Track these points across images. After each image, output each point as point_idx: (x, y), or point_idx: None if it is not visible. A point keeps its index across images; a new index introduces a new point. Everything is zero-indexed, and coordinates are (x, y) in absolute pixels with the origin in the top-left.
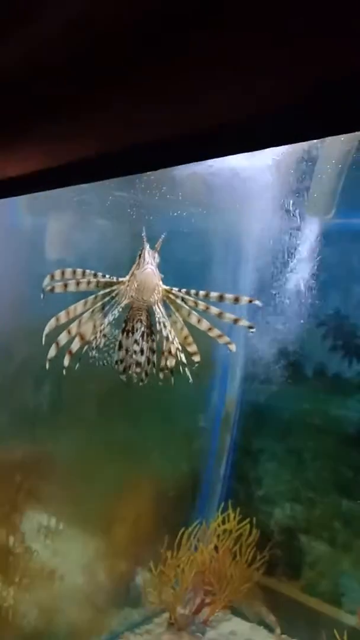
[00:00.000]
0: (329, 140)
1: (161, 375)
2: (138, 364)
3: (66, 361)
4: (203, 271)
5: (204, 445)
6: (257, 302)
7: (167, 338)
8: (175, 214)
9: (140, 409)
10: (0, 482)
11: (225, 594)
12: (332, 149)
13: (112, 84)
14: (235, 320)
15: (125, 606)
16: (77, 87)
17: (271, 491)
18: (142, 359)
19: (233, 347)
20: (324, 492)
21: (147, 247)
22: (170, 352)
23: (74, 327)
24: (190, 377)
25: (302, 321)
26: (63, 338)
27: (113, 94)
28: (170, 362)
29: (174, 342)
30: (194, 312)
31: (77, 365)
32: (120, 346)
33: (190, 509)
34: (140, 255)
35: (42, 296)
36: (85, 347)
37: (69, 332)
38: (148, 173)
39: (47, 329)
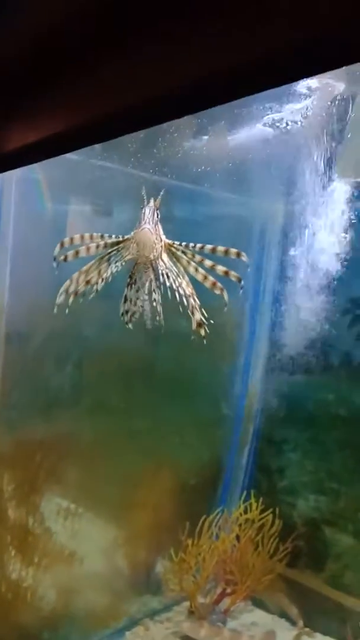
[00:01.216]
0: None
1: (202, 332)
2: (147, 314)
3: (70, 301)
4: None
5: (226, 434)
6: (243, 257)
7: (178, 291)
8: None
9: (162, 395)
10: (20, 461)
11: (247, 584)
12: None
13: (107, 49)
14: (226, 273)
15: (145, 593)
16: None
17: (295, 482)
18: (148, 306)
19: (226, 295)
20: (349, 483)
21: (148, 204)
22: (194, 307)
23: (79, 274)
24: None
25: (327, 309)
26: (69, 283)
27: (109, 58)
28: (198, 315)
29: (192, 296)
30: (192, 262)
31: (81, 300)
32: (125, 299)
33: (212, 497)
34: (141, 213)
35: (55, 265)
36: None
37: (73, 279)
38: (166, 152)
39: (62, 289)
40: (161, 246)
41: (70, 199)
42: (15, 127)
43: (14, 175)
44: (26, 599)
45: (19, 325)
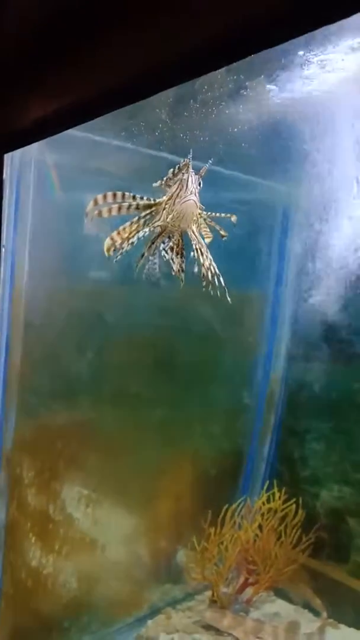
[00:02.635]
0: None
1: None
2: (172, 268)
3: (111, 251)
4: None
5: (248, 423)
6: (233, 219)
7: (211, 269)
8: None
9: (184, 384)
10: (41, 448)
11: (270, 574)
12: None
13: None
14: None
15: (166, 582)
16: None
17: (318, 472)
18: (175, 267)
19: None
20: None
21: (192, 172)
22: (212, 271)
23: (118, 232)
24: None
25: (352, 296)
26: (111, 242)
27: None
28: (212, 270)
29: (212, 263)
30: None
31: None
32: (142, 256)
33: (234, 486)
34: (181, 180)
35: (90, 219)
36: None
37: (114, 237)
38: (196, 135)
39: (105, 246)
40: (197, 219)
41: (87, 182)
42: (31, 103)
43: (32, 158)
44: (47, 587)
45: (39, 310)
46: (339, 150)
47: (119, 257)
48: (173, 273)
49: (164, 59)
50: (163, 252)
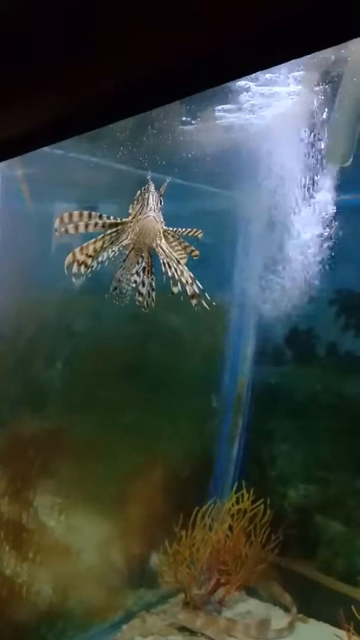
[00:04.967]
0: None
1: (194, 302)
2: (140, 293)
3: (74, 269)
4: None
5: (217, 426)
6: (199, 234)
7: (174, 276)
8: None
9: (152, 389)
10: (12, 457)
11: (240, 574)
12: (351, 96)
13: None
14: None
15: (140, 586)
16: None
17: (285, 471)
18: (144, 290)
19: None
20: (338, 471)
21: (153, 191)
22: (188, 282)
23: (81, 249)
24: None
25: (313, 300)
26: (72, 257)
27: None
28: (192, 289)
29: (184, 273)
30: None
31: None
32: (117, 279)
33: (204, 488)
34: (143, 199)
35: (57, 235)
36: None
37: (75, 253)
38: (158, 151)
39: (66, 262)
40: (161, 234)
41: (56, 195)
42: (13, 115)
43: (1, 171)
44: (22, 595)
45: (8, 321)
46: (288, 166)
47: (89, 274)
48: (140, 299)
49: (137, 80)
50: (135, 276)
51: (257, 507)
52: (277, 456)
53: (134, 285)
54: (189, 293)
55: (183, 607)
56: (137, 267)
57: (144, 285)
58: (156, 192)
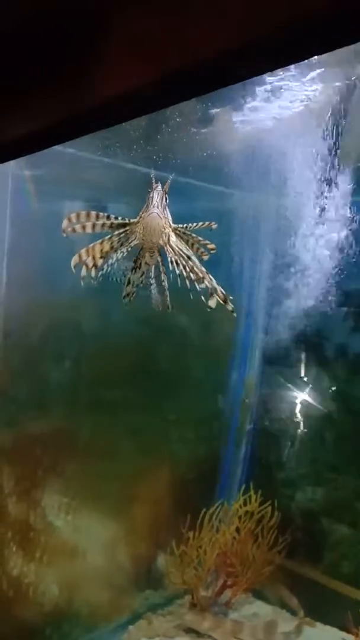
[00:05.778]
0: None
1: (230, 307)
2: (155, 294)
3: (83, 272)
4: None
5: (224, 427)
6: (213, 226)
7: (182, 274)
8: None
9: (160, 390)
10: (20, 457)
11: (247, 576)
12: None
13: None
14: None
15: (147, 587)
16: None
17: (292, 474)
18: (158, 290)
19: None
20: (346, 474)
21: (157, 188)
22: (200, 277)
23: (86, 250)
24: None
25: (322, 302)
26: (77, 259)
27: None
28: (220, 293)
29: (208, 276)
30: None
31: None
32: (129, 282)
33: (211, 490)
34: (148, 198)
35: (64, 235)
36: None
37: (82, 254)
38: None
39: (73, 262)
40: (169, 231)
41: (65, 195)
42: (11, 121)
43: (10, 171)
44: (28, 595)
45: (17, 321)
46: (302, 167)
47: (99, 277)
48: (155, 301)
49: (144, 82)
50: (150, 279)
51: (265, 509)
52: (285, 458)
53: (150, 286)
54: (208, 287)
55: (190, 608)
56: (149, 268)
57: (157, 285)
58: (161, 190)
